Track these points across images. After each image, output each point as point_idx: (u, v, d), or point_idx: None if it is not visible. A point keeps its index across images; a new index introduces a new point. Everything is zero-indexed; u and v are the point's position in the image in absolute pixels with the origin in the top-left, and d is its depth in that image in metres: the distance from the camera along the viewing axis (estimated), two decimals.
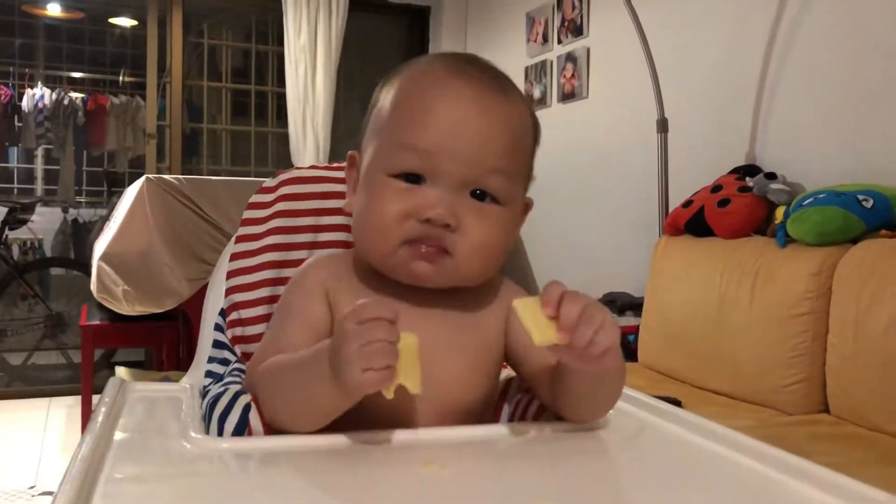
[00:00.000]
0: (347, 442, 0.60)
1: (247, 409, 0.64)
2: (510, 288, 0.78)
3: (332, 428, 0.65)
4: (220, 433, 0.62)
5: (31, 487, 2.56)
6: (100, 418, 0.62)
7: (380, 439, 0.61)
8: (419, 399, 0.67)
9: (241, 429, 0.63)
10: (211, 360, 0.79)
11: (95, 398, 3.02)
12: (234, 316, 0.82)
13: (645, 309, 2.60)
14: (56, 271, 4.78)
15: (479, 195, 0.68)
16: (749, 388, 2.13)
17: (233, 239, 0.88)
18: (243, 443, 0.60)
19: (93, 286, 2.74)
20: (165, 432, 0.62)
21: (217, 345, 0.81)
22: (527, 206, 0.76)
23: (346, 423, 0.65)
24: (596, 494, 0.53)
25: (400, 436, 0.62)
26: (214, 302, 0.86)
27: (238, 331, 0.81)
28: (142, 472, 0.54)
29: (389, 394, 0.58)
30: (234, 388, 0.66)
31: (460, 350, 0.70)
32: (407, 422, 0.68)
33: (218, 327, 0.83)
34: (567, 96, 3.54)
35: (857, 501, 0.53)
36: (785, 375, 2.03)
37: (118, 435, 0.60)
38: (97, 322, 3.00)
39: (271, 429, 0.64)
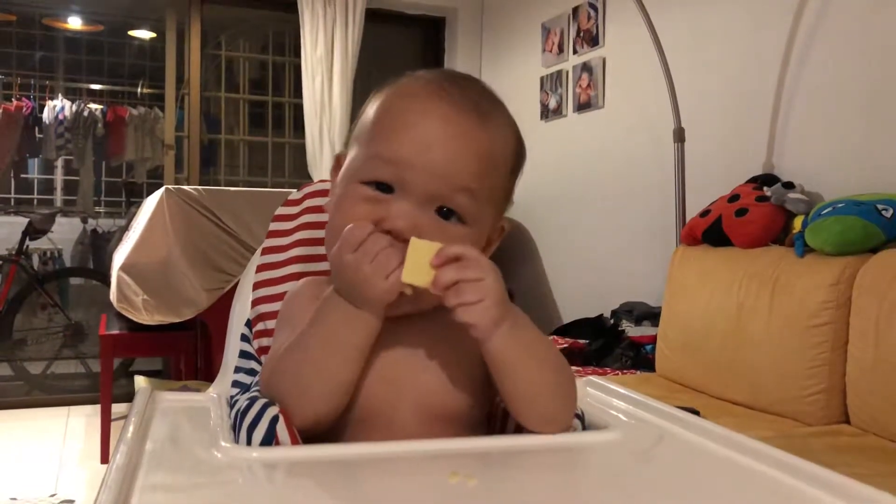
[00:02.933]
0: (372, 451, 0.61)
1: (274, 420, 0.65)
2: None
3: (333, 439, 0.69)
4: (249, 444, 0.63)
5: (52, 496, 2.58)
6: (131, 427, 0.63)
7: (403, 450, 0.62)
8: (405, 400, 0.70)
9: (269, 440, 0.64)
10: (237, 370, 0.81)
11: (114, 407, 3.06)
12: (260, 326, 0.84)
13: (662, 319, 2.59)
14: (75, 281, 4.82)
15: (445, 213, 0.70)
16: (768, 399, 2.12)
17: (259, 250, 0.89)
18: (272, 452, 0.61)
19: (112, 296, 2.77)
20: (196, 441, 0.63)
21: (243, 355, 0.83)
22: (501, 229, 0.77)
23: (338, 428, 0.69)
24: None
25: (422, 446, 0.63)
26: (241, 312, 0.87)
27: (264, 341, 0.83)
28: (174, 481, 0.55)
29: (409, 290, 0.65)
30: (263, 400, 0.68)
31: (440, 359, 0.71)
32: (393, 427, 0.69)
33: (244, 338, 0.84)
34: (583, 106, 3.54)
35: None
36: (804, 386, 2.02)
37: (150, 444, 0.61)
38: (116, 332, 3.03)
39: (298, 440, 0.66)
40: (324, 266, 0.88)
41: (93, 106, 4.87)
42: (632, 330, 2.93)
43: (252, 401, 0.68)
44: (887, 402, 1.82)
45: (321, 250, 0.88)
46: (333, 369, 0.68)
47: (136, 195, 4.92)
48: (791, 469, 0.57)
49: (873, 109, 2.23)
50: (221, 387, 0.79)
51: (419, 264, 0.65)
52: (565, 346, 2.93)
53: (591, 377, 0.87)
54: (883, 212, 2.02)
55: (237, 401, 0.71)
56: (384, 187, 0.70)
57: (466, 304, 0.65)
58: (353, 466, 0.59)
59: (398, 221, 0.68)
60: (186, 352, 3.14)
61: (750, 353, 2.19)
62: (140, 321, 2.72)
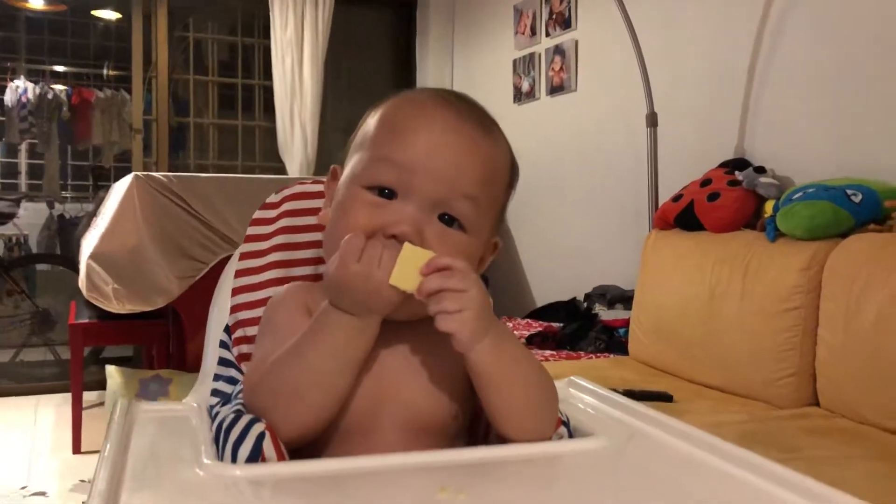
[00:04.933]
0: (359, 466, 0.61)
1: (261, 437, 0.64)
2: None
3: (317, 451, 0.69)
4: (234, 460, 0.63)
5: (23, 488, 2.55)
6: (111, 445, 0.62)
7: (389, 464, 0.62)
8: (389, 413, 0.70)
9: (255, 457, 0.63)
10: (217, 377, 0.79)
11: (86, 395, 3.02)
12: (239, 333, 0.83)
13: (635, 303, 2.61)
14: (42, 267, 4.75)
15: (448, 220, 0.70)
16: (740, 382, 2.15)
17: (236, 255, 0.88)
18: (256, 469, 0.60)
19: (82, 285, 2.73)
20: (178, 458, 0.62)
21: (223, 362, 0.81)
22: (495, 245, 0.78)
23: (321, 440, 0.69)
24: None
25: (408, 459, 0.63)
26: (218, 318, 0.85)
27: (244, 348, 0.82)
28: (158, 503, 0.54)
29: (412, 287, 0.65)
30: (249, 416, 0.67)
31: (424, 371, 0.72)
32: (376, 438, 0.69)
33: (223, 344, 0.83)
34: (556, 89, 3.54)
35: None
36: (775, 369, 2.05)
37: (131, 462, 0.59)
38: (86, 320, 2.99)
39: (284, 456, 0.65)
40: (303, 271, 0.87)
41: (57, 88, 4.76)
42: (604, 313, 2.95)
43: (238, 415, 0.67)
44: (856, 384, 1.86)
45: (300, 255, 0.87)
46: (333, 382, 0.68)
47: (103, 179, 4.83)
48: (756, 467, 0.58)
49: (843, 95, 2.26)
50: (200, 395, 0.78)
51: (409, 270, 0.65)
52: (540, 329, 2.95)
53: (572, 377, 0.87)
54: (852, 197, 2.04)
55: (219, 413, 0.70)
56: (387, 193, 0.70)
57: (446, 313, 0.65)
58: (341, 482, 0.59)
59: (402, 226, 0.68)
60: (158, 340, 3.11)
61: (722, 337, 2.21)
62: (111, 310, 2.68)
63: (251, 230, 0.89)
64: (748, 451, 0.61)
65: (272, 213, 0.89)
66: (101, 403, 3.40)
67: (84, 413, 2.96)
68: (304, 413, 0.67)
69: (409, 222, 0.68)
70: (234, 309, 0.84)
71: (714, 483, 0.60)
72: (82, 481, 2.60)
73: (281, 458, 0.64)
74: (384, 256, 0.66)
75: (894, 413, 1.75)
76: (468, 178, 0.70)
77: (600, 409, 0.78)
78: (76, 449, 2.91)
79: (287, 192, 0.91)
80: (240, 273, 0.86)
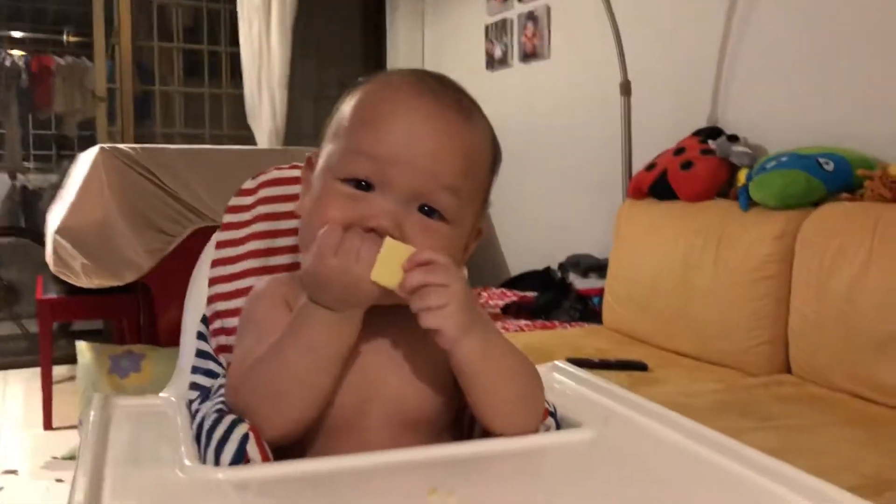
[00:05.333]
0: (345, 465, 0.60)
1: (244, 439, 0.63)
2: None
3: (302, 448, 0.67)
4: (217, 462, 0.61)
5: None
6: (89, 447, 0.60)
7: (375, 462, 0.60)
8: (375, 408, 0.69)
9: (239, 459, 0.62)
10: (195, 370, 0.77)
11: (55, 369, 2.97)
12: (217, 324, 0.81)
13: (609, 272, 2.62)
14: (5, 240, 4.64)
15: (428, 212, 0.69)
16: (713, 350, 2.18)
17: (212, 243, 0.85)
18: (240, 472, 0.59)
19: (49, 260, 2.67)
20: (158, 459, 0.61)
21: (201, 354, 0.79)
22: (479, 232, 0.77)
23: (306, 437, 0.68)
24: None
25: (394, 456, 0.61)
26: (195, 308, 0.83)
27: (222, 339, 0.80)
28: None
29: (394, 284, 0.64)
30: (232, 416, 0.65)
31: (409, 365, 0.70)
32: (362, 433, 0.68)
33: (200, 336, 0.81)
34: (528, 56, 3.50)
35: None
36: (748, 337, 2.07)
37: (110, 465, 0.58)
38: (54, 296, 2.93)
39: (269, 457, 0.64)
40: (281, 259, 0.85)
41: (15, 54, 4.62)
42: (578, 282, 2.96)
43: (220, 415, 0.65)
44: (828, 352, 1.89)
45: (279, 243, 0.85)
46: (315, 379, 0.66)
47: (67, 149, 4.72)
48: (778, 476, 0.57)
49: (816, 64, 2.26)
50: (178, 388, 0.76)
51: (390, 266, 0.64)
52: (514, 299, 2.95)
53: (556, 362, 0.86)
54: (825, 165, 2.05)
55: (199, 410, 0.69)
56: (364, 185, 0.68)
57: (430, 309, 0.64)
58: (327, 483, 0.58)
59: (380, 220, 0.66)
60: (129, 314, 3.06)
61: (696, 306, 2.23)
62: (79, 285, 2.63)
63: (227, 218, 0.86)
64: (737, 441, 0.61)
65: (248, 200, 0.87)
66: (72, 378, 3.35)
67: (54, 388, 2.92)
68: (287, 413, 0.66)
69: (387, 215, 0.66)
70: (212, 299, 0.82)
71: (701, 472, 0.60)
72: (54, 458, 2.57)
73: (265, 459, 0.63)
74: (362, 250, 0.64)
75: (865, 380, 1.78)
76: (448, 169, 0.68)
77: (586, 396, 0.77)
78: (47, 425, 2.87)
79: (263, 177, 0.88)
80: (216, 262, 0.83)
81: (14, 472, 2.48)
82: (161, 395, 0.77)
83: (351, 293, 0.65)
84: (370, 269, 0.64)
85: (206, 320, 0.82)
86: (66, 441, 2.67)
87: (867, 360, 1.77)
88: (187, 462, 0.59)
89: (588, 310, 2.78)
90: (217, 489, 0.56)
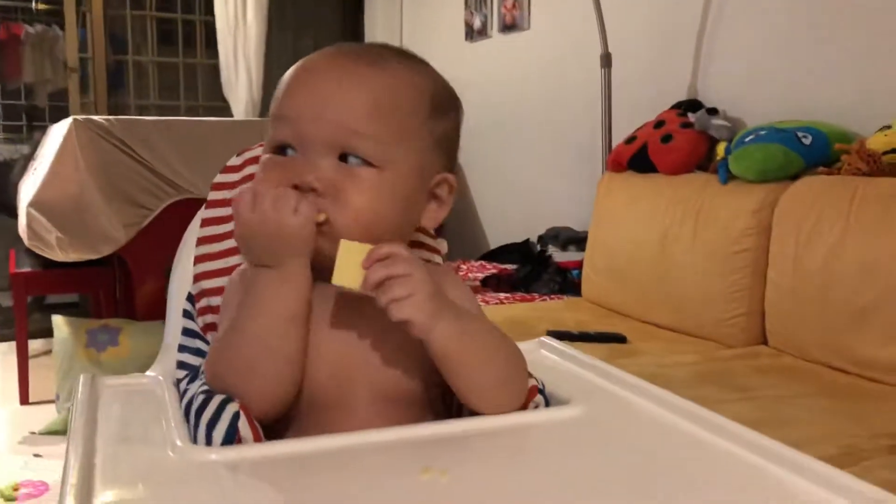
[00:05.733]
0: (335, 444, 0.59)
1: (236, 417, 0.63)
2: (437, 269, 0.78)
3: (287, 426, 0.68)
4: (209, 442, 0.61)
5: None
6: (78, 429, 0.60)
7: (366, 441, 0.60)
8: (358, 386, 0.69)
9: (230, 438, 0.62)
10: (182, 349, 0.77)
11: (30, 343, 2.94)
12: (203, 303, 0.80)
13: (589, 245, 2.64)
14: None
15: (350, 160, 0.69)
16: (691, 322, 2.20)
17: (197, 221, 0.85)
18: (232, 452, 0.59)
19: (22, 233, 2.63)
20: (149, 440, 0.60)
21: (187, 332, 0.78)
22: (450, 187, 0.75)
23: (290, 415, 0.68)
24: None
25: (385, 435, 0.61)
26: (180, 286, 0.82)
27: (209, 317, 0.79)
28: (134, 495, 0.52)
29: (323, 216, 0.65)
30: (221, 395, 0.65)
31: (390, 341, 0.70)
32: (346, 411, 0.68)
33: (187, 314, 0.80)
34: (508, 27, 3.48)
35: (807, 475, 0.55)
36: (726, 310, 2.10)
37: (100, 448, 0.57)
38: (28, 269, 2.89)
39: (260, 436, 0.64)
40: None
41: None
42: (557, 255, 2.98)
43: (209, 394, 0.65)
44: (803, 324, 1.91)
45: None
46: (275, 343, 0.66)
47: (38, 119, 4.63)
48: (760, 449, 0.58)
49: (795, 37, 2.26)
50: (164, 367, 0.75)
51: (349, 266, 0.64)
52: (494, 272, 2.96)
53: (543, 338, 0.86)
54: (803, 139, 2.07)
55: (188, 390, 0.68)
56: (288, 151, 0.70)
57: (397, 300, 0.63)
58: (319, 462, 0.58)
59: (305, 176, 0.67)
60: (105, 288, 3.03)
61: (674, 279, 2.25)
62: (55, 259, 2.60)
63: (213, 195, 0.85)
64: (726, 418, 0.62)
65: (234, 177, 0.86)
66: (47, 352, 3.32)
67: (30, 362, 2.90)
68: (262, 385, 0.66)
69: (310, 170, 0.67)
70: (198, 277, 0.81)
71: (690, 448, 0.61)
72: (32, 433, 2.55)
73: (257, 437, 0.63)
74: (280, 199, 0.65)
75: (841, 351, 1.81)
76: (354, 114, 0.68)
77: (573, 372, 0.78)
78: (24, 400, 2.85)
79: (248, 154, 0.87)
80: (202, 241, 0.83)
81: None
82: (148, 373, 0.76)
83: (277, 242, 0.66)
84: (289, 209, 0.64)
85: (191, 298, 0.81)
86: (44, 416, 2.65)
87: (843, 332, 1.80)
88: (178, 442, 0.59)
89: (567, 282, 2.79)
90: (210, 469, 0.56)
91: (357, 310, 0.70)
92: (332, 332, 0.69)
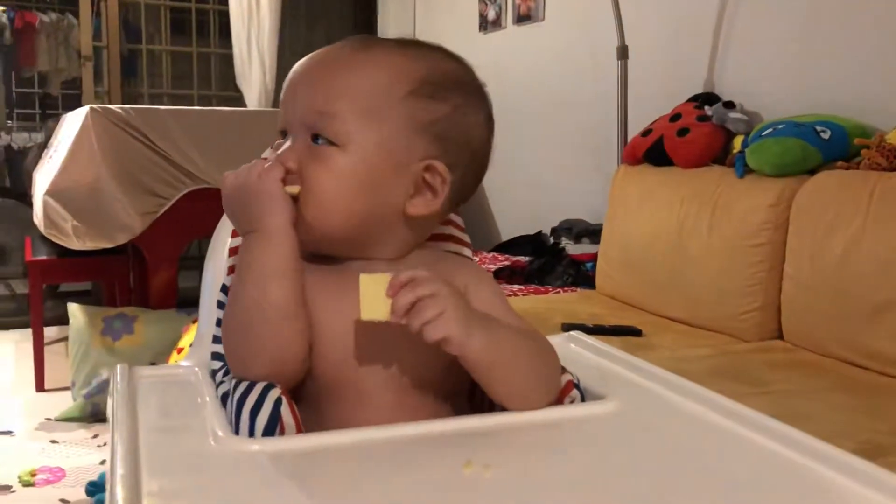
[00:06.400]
0: (376, 437, 0.60)
1: (278, 403, 0.63)
2: (460, 263, 0.78)
3: (307, 411, 0.68)
4: (251, 430, 0.62)
5: None
6: (121, 420, 0.60)
7: (403, 434, 0.61)
8: (375, 374, 0.69)
9: (273, 425, 0.62)
10: (217, 339, 0.77)
11: (46, 331, 2.96)
12: None
13: (603, 238, 2.63)
14: None
15: (317, 140, 0.71)
16: (706, 316, 2.20)
17: None
18: (273, 443, 0.59)
19: (38, 221, 2.65)
20: (189, 430, 0.61)
21: (221, 323, 0.79)
22: (438, 173, 0.72)
23: (310, 400, 0.69)
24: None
25: (419, 428, 0.62)
26: (213, 277, 0.83)
27: None
28: (181, 485, 0.53)
29: (295, 190, 0.69)
30: (262, 383, 0.66)
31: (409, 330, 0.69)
32: (364, 398, 0.69)
33: (221, 305, 0.81)
34: (523, 18, 3.47)
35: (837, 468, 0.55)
36: (741, 304, 2.09)
37: (143, 439, 0.58)
38: (45, 257, 2.91)
39: (300, 425, 0.64)
40: None
41: None
42: (571, 247, 2.98)
43: (251, 383, 0.65)
44: (820, 318, 1.91)
45: None
46: (263, 298, 0.68)
47: (51, 108, 4.65)
48: (793, 443, 0.58)
49: (814, 31, 2.25)
50: (199, 357, 0.76)
51: (374, 298, 0.64)
52: (507, 263, 2.96)
53: (572, 333, 0.87)
54: (822, 133, 2.06)
55: (224, 381, 0.69)
56: (284, 135, 0.74)
57: (430, 322, 0.63)
58: (360, 453, 0.58)
59: (282, 156, 0.71)
60: (119, 277, 3.05)
61: (689, 272, 2.25)
62: (71, 247, 2.61)
63: None
64: (759, 412, 0.62)
65: None
66: (61, 340, 3.35)
67: (46, 349, 2.92)
68: (257, 344, 0.67)
69: (286, 151, 0.71)
70: (231, 270, 0.82)
71: (729, 444, 0.61)
72: (48, 419, 2.58)
73: (298, 423, 0.64)
74: (258, 161, 0.70)
75: (857, 346, 1.80)
76: (320, 94, 0.71)
77: (604, 367, 0.78)
78: (39, 387, 2.87)
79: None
80: (237, 232, 0.83)
81: (9, 433, 2.48)
82: (182, 363, 0.77)
83: (251, 203, 0.69)
84: (257, 171, 0.69)
85: (225, 289, 0.82)
86: (59, 402, 2.67)
87: (860, 327, 1.80)
88: (219, 432, 0.59)
89: (581, 275, 2.79)
90: (251, 459, 0.56)
91: None
92: (343, 313, 0.69)
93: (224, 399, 0.67)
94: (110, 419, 0.63)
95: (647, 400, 0.69)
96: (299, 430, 0.64)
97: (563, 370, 0.71)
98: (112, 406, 0.64)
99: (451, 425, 0.62)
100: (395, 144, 0.71)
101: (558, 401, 0.69)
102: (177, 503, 0.51)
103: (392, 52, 0.73)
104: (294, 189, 0.69)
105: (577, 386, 0.70)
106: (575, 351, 0.83)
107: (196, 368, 0.74)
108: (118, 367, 0.71)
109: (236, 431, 0.62)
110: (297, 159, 0.70)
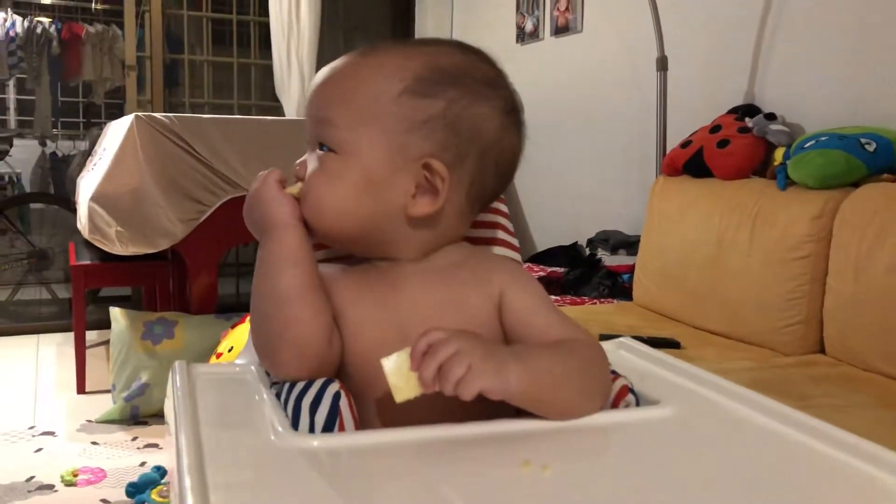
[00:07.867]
0: (434, 435, 0.61)
1: (336, 397, 0.64)
2: (496, 263, 0.77)
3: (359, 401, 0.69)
4: (311, 426, 0.63)
5: (31, 427, 2.57)
6: (184, 414, 0.62)
7: (460, 433, 0.61)
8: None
9: (332, 419, 0.63)
10: None
11: (87, 334, 3.02)
12: None
13: (641, 249, 2.62)
14: (35, 206, 4.69)
15: (323, 147, 0.73)
16: (746, 329, 2.18)
17: None
18: (333, 439, 0.60)
19: (83, 227, 2.70)
20: (249, 426, 0.62)
21: None
22: (436, 171, 0.70)
23: (358, 390, 0.70)
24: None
25: (473, 429, 0.62)
26: None
27: None
28: (244, 479, 0.54)
29: (295, 189, 0.73)
30: (322, 378, 0.67)
31: (452, 316, 0.70)
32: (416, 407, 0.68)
33: None
34: (560, 30, 3.47)
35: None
36: (783, 317, 2.07)
37: (204, 433, 0.59)
38: (88, 262, 2.97)
39: (356, 417, 0.65)
40: None
41: (44, 19, 4.63)
42: (607, 259, 2.97)
43: (309, 381, 0.67)
44: (863, 333, 1.88)
45: None
46: (276, 285, 0.70)
47: (95, 116, 4.75)
48: (852, 449, 0.58)
49: (857, 41, 2.23)
50: (253, 355, 0.77)
51: (401, 378, 0.62)
52: (543, 274, 2.96)
53: (622, 339, 0.87)
54: (866, 146, 2.03)
55: (277, 382, 0.70)
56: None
57: (462, 380, 0.60)
58: (417, 452, 0.59)
59: (296, 167, 0.76)
60: (160, 282, 3.10)
61: (729, 284, 2.23)
62: (114, 252, 2.66)
63: None
64: (816, 419, 0.62)
65: None
66: (103, 343, 3.41)
67: (87, 352, 2.97)
68: (276, 332, 0.69)
69: (300, 162, 0.75)
70: None
71: (788, 452, 0.61)
72: (89, 421, 2.62)
73: (355, 418, 0.64)
74: (258, 175, 0.75)
75: None
76: (321, 102, 0.74)
77: (655, 372, 0.78)
78: (80, 389, 2.92)
79: None
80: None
81: (52, 433, 2.53)
82: (237, 361, 0.78)
83: (258, 208, 0.73)
84: (261, 179, 0.74)
85: None
86: (100, 405, 2.72)
87: None
88: (280, 428, 0.60)
89: (617, 286, 2.78)
90: (311, 456, 0.57)
91: (412, 305, 0.71)
92: (387, 314, 0.71)
93: (280, 393, 0.68)
94: (171, 414, 0.65)
95: (702, 405, 0.69)
96: (357, 426, 0.64)
97: (617, 375, 0.71)
98: (173, 401, 0.66)
99: (507, 426, 0.63)
100: (390, 146, 0.70)
101: (613, 405, 0.69)
102: (241, 496, 0.51)
103: (390, 54, 0.73)
104: (294, 189, 0.73)
105: (631, 390, 0.70)
106: (625, 357, 0.83)
107: (252, 367, 0.75)
108: (176, 363, 0.73)
109: (295, 426, 0.63)
110: (306, 168, 0.74)
